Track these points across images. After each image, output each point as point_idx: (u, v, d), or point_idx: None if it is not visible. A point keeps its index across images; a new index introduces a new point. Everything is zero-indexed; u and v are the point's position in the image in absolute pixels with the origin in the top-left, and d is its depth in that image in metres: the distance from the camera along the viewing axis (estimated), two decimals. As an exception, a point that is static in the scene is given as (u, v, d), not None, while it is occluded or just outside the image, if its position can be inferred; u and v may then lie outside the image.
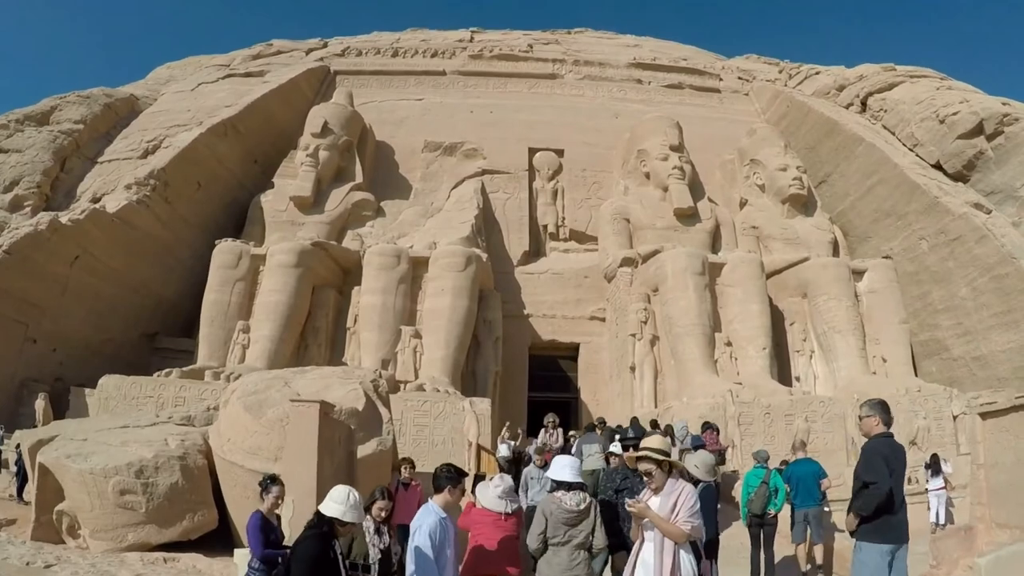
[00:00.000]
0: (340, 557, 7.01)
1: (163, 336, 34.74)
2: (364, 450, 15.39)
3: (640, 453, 7.29)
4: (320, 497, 11.25)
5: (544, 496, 8.21)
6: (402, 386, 28.12)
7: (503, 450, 22.21)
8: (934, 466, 21.11)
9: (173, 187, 34.04)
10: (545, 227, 39.70)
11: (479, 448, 23.68)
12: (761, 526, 14.45)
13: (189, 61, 50.57)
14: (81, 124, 37.65)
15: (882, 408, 8.09)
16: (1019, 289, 29.52)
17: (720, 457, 21.91)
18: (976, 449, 13.58)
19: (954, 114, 34.89)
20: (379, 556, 8.13)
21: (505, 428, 24.03)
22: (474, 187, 38.69)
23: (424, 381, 28.04)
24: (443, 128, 41.41)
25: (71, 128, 37.16)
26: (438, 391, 27.05)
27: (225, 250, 31.79)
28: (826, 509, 18.35)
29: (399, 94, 44.19)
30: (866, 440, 7.97)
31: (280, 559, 8.29)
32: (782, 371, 31.77)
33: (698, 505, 7.15)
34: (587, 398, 35.66)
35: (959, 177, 34.89)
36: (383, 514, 8.45)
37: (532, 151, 41.15)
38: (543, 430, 22.22)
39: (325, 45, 48.96)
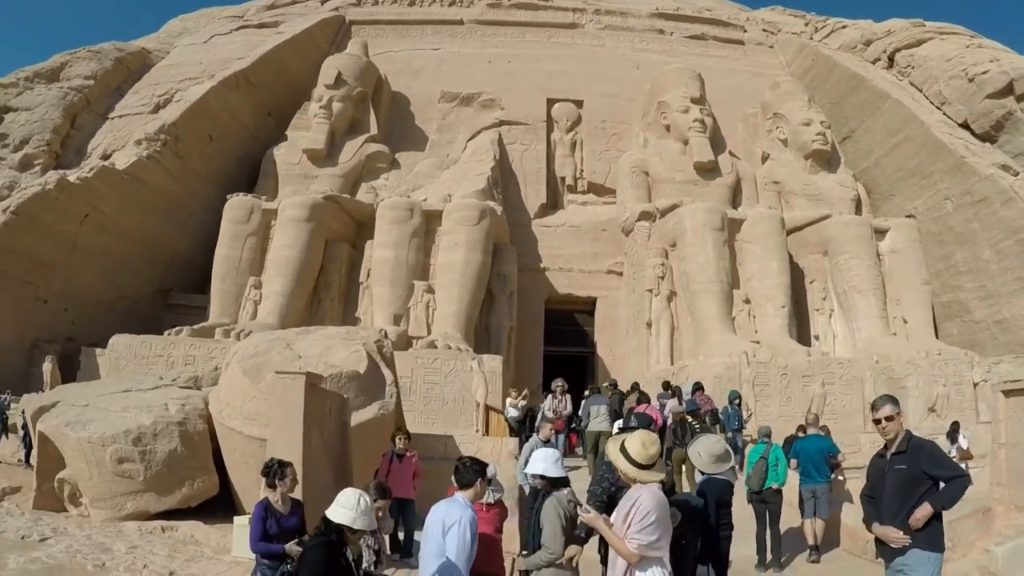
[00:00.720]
0: (352, 565, 6.32)
1: (177, 292, 34.42)
2: (365, 414, 15.27)
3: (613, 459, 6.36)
4: (308, 474, 10.70)
5: (554, 496, 7.26)
6: (414, 342, 27.63)
7: (511, 411, 21.63)
8: (953, 435, 20.45)
9: (184, 141, 33.56)
10: (563, 179, 38.85)
11: (487, 408, 23.13)
12: (764, 503, 13.79)
13: (202, 13, 49.64)
14: (91, 80, 37.12)
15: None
16: None
17: (713, 416, 21.29)
18: (998, 427, 12.91)
19: (984, 73, 34.02)
20: (373, 559, 7.66)
21: (512, 390, 23.37)
22: (491, 138, 37.77)
23: (436, 337, 27.47)
24: (460, 78, 40.47)
25: (81, 84, 36.65)
26: (449, 347, 26.48)
27: (236, 205, 31.34)
28: (840, 478, 17.83)
29: (415, 44, 43.21)
30: (907, 437, 6.99)
31: (285, 559, 7.61)
32: (801, 330, 31.10)
33: (655, 516, 5.98)
34: (603, 353, 35.12)
35: (987, 138, 34.13)
36: (379, 514, 7.96)
37: (551, 102, 40.17)
38: (550, 395, 21.42)
39: (341, -7, 47.82)
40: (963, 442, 20.40)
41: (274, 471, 8.41)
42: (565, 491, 7.21)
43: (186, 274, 34.56)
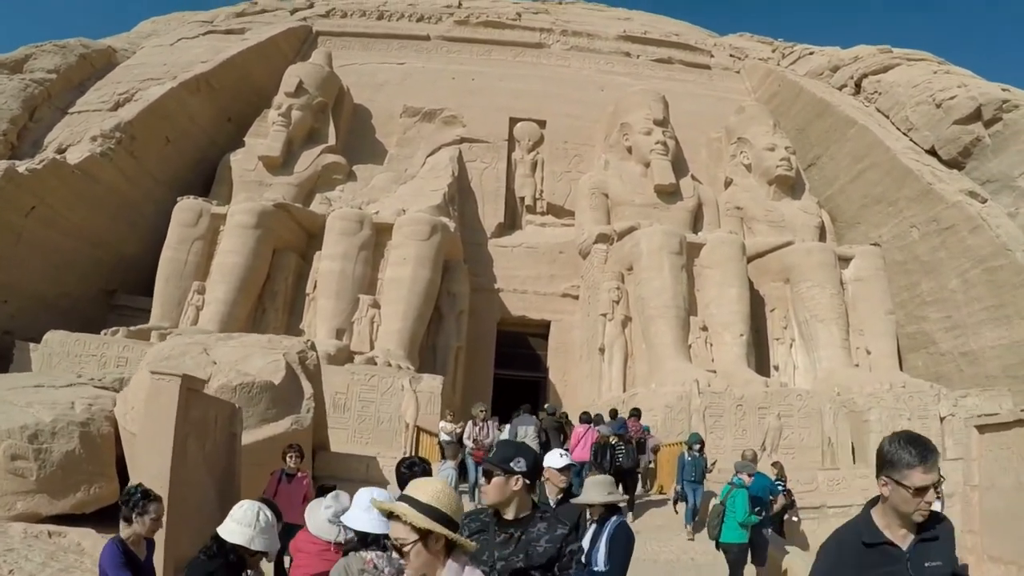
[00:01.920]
0: None
1: (123, 294, 32.44)
2: (275, 428, 14.39)
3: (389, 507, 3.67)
4: (177, 495, 9.09)
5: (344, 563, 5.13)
6: (355, 358, 26.00)
7: (442, 435, 19.74)
8: None
9: (140, 141, 31.84)
10: (522, 199, 37.32)
11: (418, 430, 21.27)
12: (726, 552, 12.36)
13: (173, 17, 48.18)
14: (54, 74, 35.33)
15: None
16: (1013, 283, 27.63)
17: (640, 445, 19.83)
18: (970, 467, 11.16)
19: (951, 98, 33.00)
20: None
21: (448, 412, 21.31)
22: (450, 155, 36.37)
23: (377, 354, 25.79)
24: (423, 94, 39.09)
25: (43, 77, 34.83)
26: (389, 365, 24.76)
27: (185, 207, 29.79)
28: (794, 519, 16.21)
29: (381, 57, 41.81)
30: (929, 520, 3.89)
31: None
32: (760, 360, 29.56)
33: None
34: (556, 378, 33.47)
35: (954, 164, 33.02)
36: None
37: (513, 121, 38.77)
38: (470, 422, 19.57)
39: (311, 5, 46.42)
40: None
41: (134, 501, 6.26)
42: (370, 555, 5.05)
43: (133, 276, 32.53)
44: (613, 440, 18.95)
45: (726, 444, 22.58)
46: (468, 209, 35.82)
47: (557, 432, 20.18)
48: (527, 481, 4.69)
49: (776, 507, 14.36)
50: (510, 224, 36.68)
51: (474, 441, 18.54)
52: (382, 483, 17.55)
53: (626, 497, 7.16)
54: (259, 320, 28.88)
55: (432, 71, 40.68)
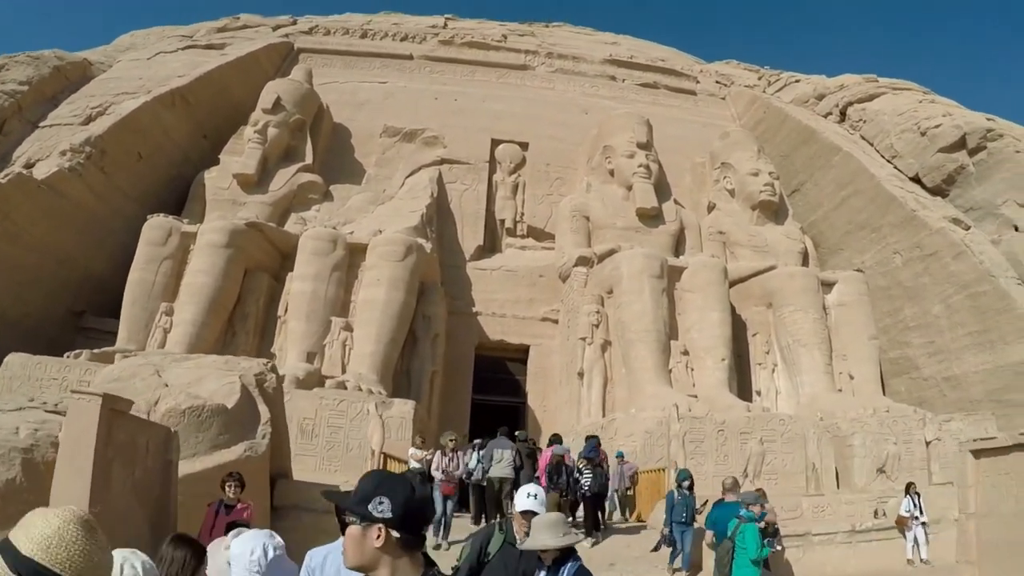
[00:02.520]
0: None
1: (91, 315, 31.43)
2: (225, 455, 13.32)
3: None
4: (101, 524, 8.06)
5: None
6: (326, 382, 25.00)
7: (412, 462, 18.79)
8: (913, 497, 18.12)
9: (111, 156, 30.94)
10: (502, 222, 36.61)
11: (385, 457, 20.38)
12: None
13: (154, 31, 47.32)
14: (26, 86, 34.37)
15: None
16: (996, 308, 27.40)
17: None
18: (966, 494, 10.49)
19: (936, 127, 32.89)
20: None
21: (417, 437, 20.27)
22: (430, 176, 35.64)
23: (349, 378, 24.90)
24: (404, 113, 38.37)
25: (14, 89, 33.90)
26: (360, 389, 23.84)
27: (154, 225, 28.82)
28: (778, 547, 15.43)
29: (362, 76, 41.05)
30: None
31: None
32: (742, 385, 28.95)
33: None
34: (535, 404, 32.64)
35: (938, 191, 32.88)
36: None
37: (495, 142, 38.12)
38: (439, 452, 18.28)
39: (294, 22, 45.78)
40: (904, 506, 18.05)
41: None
42: None
43: (102, 296, 31.39)
44: (581, 464, 18.23)
45: (707, 470, 21.82)
46: (447, 231, 35.09)
47: (531, 458, 19.34)
48: (398, 534, 2.93)
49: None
50: (489, 247, 35.98)
51: (444, 473, 17.45)
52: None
53: (579, 538, 6.21)
54: (229, 343, 27.89)
55: (414, 91, 40.02)
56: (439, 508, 16.97)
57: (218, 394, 14.08)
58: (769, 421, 23.00)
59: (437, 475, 17.30)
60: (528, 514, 6.47)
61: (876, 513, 18.33)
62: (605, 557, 16.20)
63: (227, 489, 10.84)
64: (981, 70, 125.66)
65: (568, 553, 6.14)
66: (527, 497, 6.56)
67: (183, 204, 33.04)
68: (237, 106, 36.36)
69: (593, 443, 19.22)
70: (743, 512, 11.46)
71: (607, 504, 20.92)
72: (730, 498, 12.61)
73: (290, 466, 18.31)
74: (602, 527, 19.17)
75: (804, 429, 22.67)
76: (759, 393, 29.29)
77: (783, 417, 23.63)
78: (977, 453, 10.47)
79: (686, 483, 15.78)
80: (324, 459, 21.85)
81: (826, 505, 18.68)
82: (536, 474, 18.52)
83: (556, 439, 19.49)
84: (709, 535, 12.03)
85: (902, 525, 17.92)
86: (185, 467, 11.93)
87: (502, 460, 17.90)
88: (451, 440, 18.14)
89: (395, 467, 20.27)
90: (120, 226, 31.24)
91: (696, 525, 15.44)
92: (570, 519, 19.40)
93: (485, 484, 18.39)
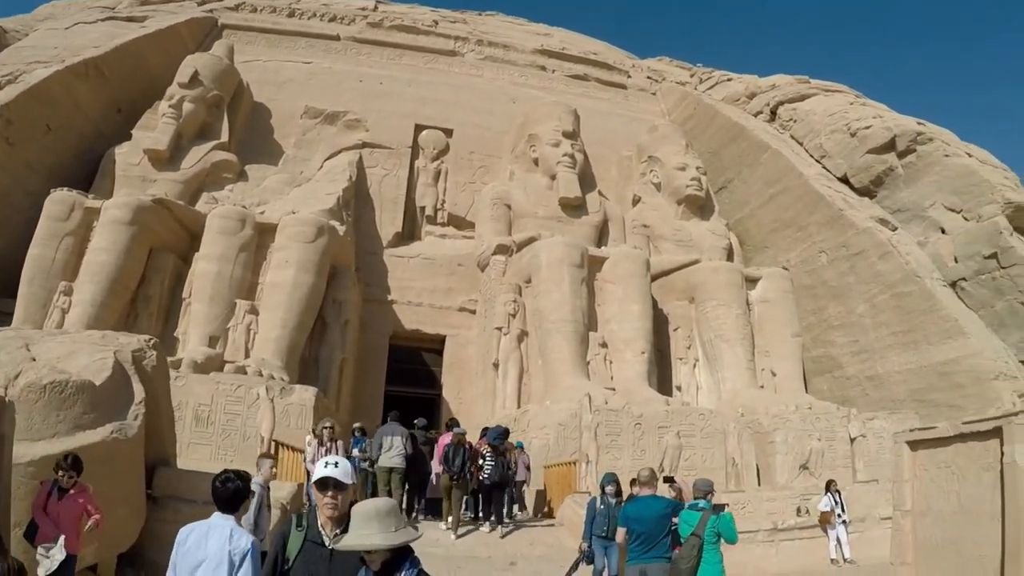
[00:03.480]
0: None
1: (-11, 295, 29.14)
2: (88, 437, 11.43)
3: None
4: None
5: None
6: (227, 367, 23.32)
7: (309, 452, 16.74)
8: (834, 495, 16.87)
9: (17, 127, 28.50)
10: (423, 209, 34.95)
11: (277, 445, 18.50)
12: None
13: (75, 2, 44.76)
14: (-68, 54, 31.99)
15: None
16: (921, 309, 27.01)
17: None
18: (902, 490, 9.07)
19: (866, 128, 32.36)
20: None
21: (322, 424, 18.01)
22: (349, 159, 33.91)
23: (250, 363, 23.00)
24: (327, 95, 36.45)
25: (-76, 58, 31.51)
26: (261, 375, 21.93)
27: (56, 200, 26.62)
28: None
29: (286, 55, 38.98)
30: None
31: None
32: (662, 380, 27.71)
33: None
34: (450, 396, 31.09)
35: (866, 192, 32.34)
36: None
37: (419, 128, 36.43)
38: (316, 441, 16.39)
39: (222, -2, 43.51)
40: (824, 503, 16.78)
41: None
42: None
43: (3, 275, 29.17)
44: (485, 450, 16.67)
45: (624, 464, 20.43)
46: (365, 216, 33.46)
47: (428, 446, 17.69)
48: None
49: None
50: (408, 234, 34.37)
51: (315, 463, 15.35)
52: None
53: (416, 535, 4.61)
54: (131, 325, 25.52)
55: (339, 72, 38.16)
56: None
57: (88, 370, 12.40)
58: (688, 415, 21.66)
59: (309, 466, 15.44)
60: (329, 486, 4.74)
61: (799, 511, 17.15)
62: (506, 555, 14.62)
63: (60, 474, 9.04)
64: (912, 76, 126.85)
65: (402, 555, 4.32)
66: (326, 466, 4.76)
67: (93, 180, 30.84)
68: (154, 81, 34.07)
69: (499, 430, 17.71)
70: (701, 503, 9.92)
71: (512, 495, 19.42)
72: (645, 492, 10.38)
73: (174, 453, 16.48)
74: (506, 520, 17.61)
75: (724, 424, 21.42)
76: (679, 388, 28.16)
77: (703, 411, 22.33)
78: (914, 445, 9.10)
79: (610, 488, 12.73)
80: (219, 447, 20.02)
81: (747, 502, 17.43)
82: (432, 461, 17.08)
83: (454, 423, 18.17)
84: (621, 533, 10.10)
85: (825, 522, 16.78)
86: (43, 448, 10.21)
87: (391, 448, 16.24)
88: (327, 427, 16.09)
89: (287, 456, 18.49)
90: (26, 202, 28.82)
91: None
92: (465, 510, 17.86)
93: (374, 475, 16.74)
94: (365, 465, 18.18)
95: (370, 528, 4.20)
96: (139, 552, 11.98)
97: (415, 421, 18.82)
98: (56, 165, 30.52)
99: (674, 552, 9.79)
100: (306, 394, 21.28)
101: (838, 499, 17.06)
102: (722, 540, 9.56)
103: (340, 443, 16.10)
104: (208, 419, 20.11)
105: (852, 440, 21.55)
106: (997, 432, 8.34)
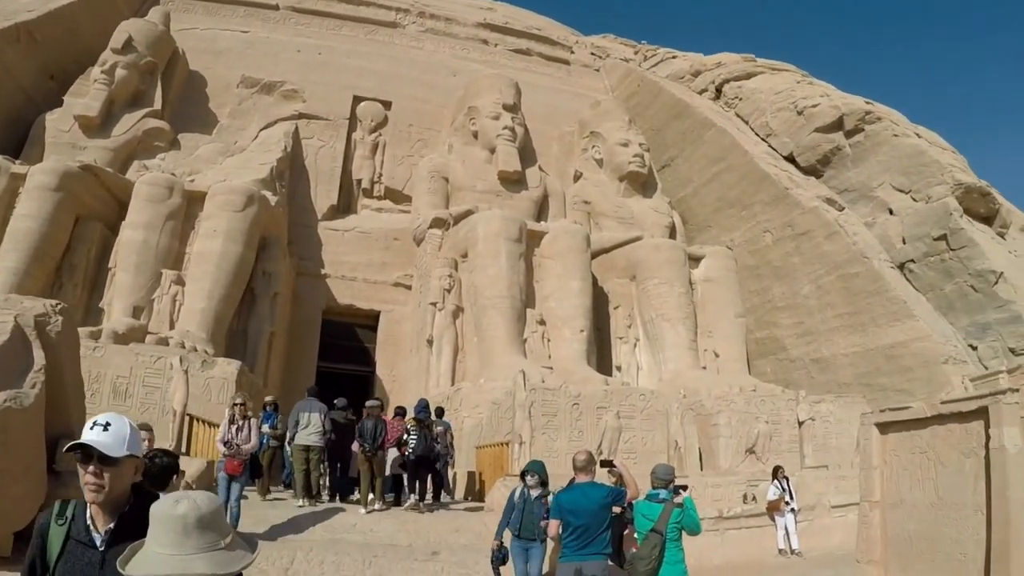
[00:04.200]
0: None
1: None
2: None
3: None
4: None
5: None
6: (148, 339, 21.71)
7: (221, 430, 14.72)
8: (782, 481, 15.57)
9: (-57, 90, 26.79)
10: (359, 182, 33.28)
11: (191, 419, 16.86)
12: None
13: (8, -35, 42.39)
14: None
15: None
16: (868, 291, 26.17)
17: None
18: (870, 478, 7.73)
19: (814, 106, 31.57)
20: None
21: (235, 399, 15.14)
22: (285, 130, 32.14)
23: (173, 335, 21.38)
24: (265, 65, 34.60)
25: None
26: (183, 347, 20.23)
27: None
28: (636, 535, 12.36)
29: (224, 24, 36.95)
30: None
31: None
32: (602, 359, 26.39)
33: None
34: (383, 373, 29.57)
35: (812, 172, 31.56)
36: None
37: (357, 100, 34.73)
38: (225, 420, 14.09)
39: (160, -36, 41.26)
40: (772, 492, 15.45)
41: None
42: None
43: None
44: (409, 424, 15.24)
45: (560, 447, 19.18)
46: (300, 188, 31.82)
47: (348, 431, 16.05)
48: None
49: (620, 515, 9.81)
50: (344, 207, 32.75)
51: (226, 444, 13.33)
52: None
53: (250, 559, 3.37)
54: (55, 295, 23.36)
55: (277, 42, 36.23)
56: (222, 494, 12.81)
57: None
58: (628, 395, 20.33)
59: (220, 446, 13.45)
60: (92, 458, 3.16)
61: (745, 498, 15.83)
62: (428, 544, 13.07)
63: None
64: (858, 59, 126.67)
65: None
66: (92, 427, 3.21)
67: (22, 149, 29.12)
68: (88, 47, 32.09)
69: (423, 403, 16.28)
70: (662, 494, 8.35)
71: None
72: (582, 479, 8.31)
73: (81, 426, 14.86)
74: (430, 498, 16.18)
75: (667, 405, 20.08)
76: (619, 368, 26.83)
77: (644, 392, 20.99)
78: (884, 427, 7.83)
79: (532, 479, 10.04)
80: (137, 421, 18.33)
81: (691, 488, 16.01)
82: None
83: (401, 411, 16.63)
84: (554, 525, 8.26)
85: (773, 511, 15.44)
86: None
87: (309, 425, 14.70)
88: (239, 403, 13.99)
89: (200, 431, 16.92)
90: (-51, 169, 27.06)
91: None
92: (390, 491, 16.45)
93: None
94: (274, 443, 16.81)
95: (185, 544, 2.63)
96: (38, 529, 10.48)
97: (335, 401, 17.10)
98: None
99: (631, 551, 8.37)
100: (229, 367, 19.81)
101: (786, 486, 15.80)
102: (683, 533, 8.17)
103: (254, 421, 14.19)
104: (126, 392, 18.65)
105: (800, 424, 20.30)
106: (982, 413, 7.04)
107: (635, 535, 8.80)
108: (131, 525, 3.10)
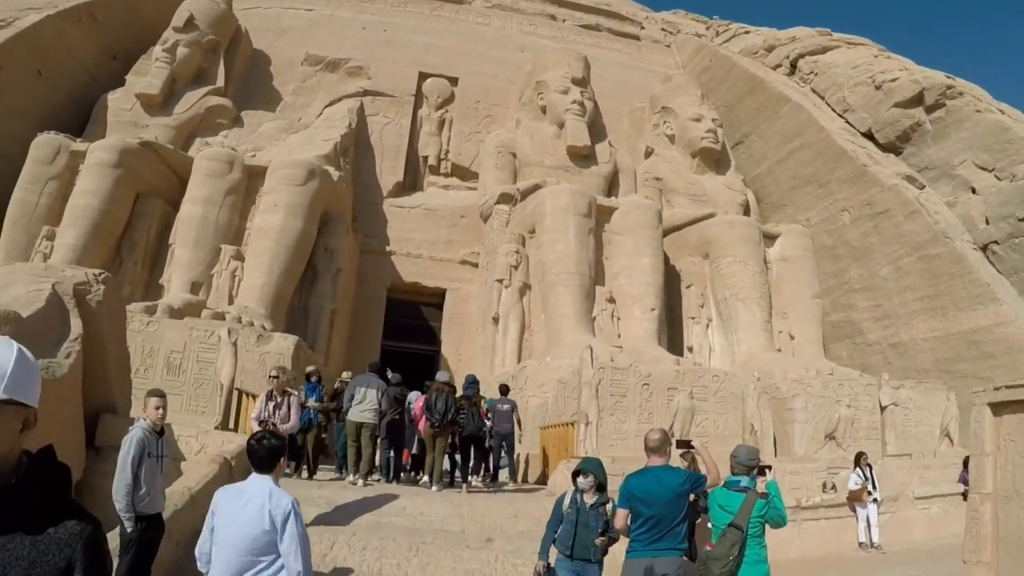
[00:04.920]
0: None
1: (-24, 241, 27.31)
2: None
3: None
4: None
5: None
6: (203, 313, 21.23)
7: (256, 407, 13.79)
8: (864, 469, 14.54)
9: (7, 72, 26.62)
10: (425, 159, 32.72)
11: (240, 394, 16.25)
12: None
13: (68, -53, 42.44)
14: (-75, -2, 30.00)
15: None
16: (951, 272, 24.71)
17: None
18: (982, 466, 6.79)
19: (893, 80, 29.75)
20: None
21: (275, 370, 13.46)
22: (349, 107, 31.78)
23: (232, 310, 20.98)
24: (329, 43, 34.19)
25: (-88, 2, 29.60)
26: (240, 322, 19.77)
27: (41, 143, 24.96)
28: (709, 526, 11.41)
29: (288, 2, 36.45)
30: None
31: None
32: (673, 340, 25.56)
33: None
34: (448, 352, 29.03)
35: (891, 148, 29.84)
36: None
37: (423, 76, 34.08)
38: (262, 396, 12.70)
39: (221, -56, 41.00)
40: (854, 480, 14.41)
41: None
42: None
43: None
44: (461, 402, 14.56)
45: (628, 429, 18.38)
46: (365, 166, 31.39)
47: (400, 404, 15.30)
48: None
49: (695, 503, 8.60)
50: (410, 184, 32.19)
51: (261, 424, 11.58)
52: (177, 457, 12.88)
53: None
54: (115, 272, 23.18)
55: (341, 19, 35.67)
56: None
57: (18, 301, 11.15)
58: (701, 376, 19.38)
59: (252, 423, 12.07)
60: None
61: (825, 486, 14.84)
62: (482, 530, 12.08)
63: None
64: (934, 32, 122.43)
65: None
66: None
67: (85, 128, 29.00)
68: (150, 27, 31.99)
69: (471, 378, 15.66)
70: (744, 481, 7.14)
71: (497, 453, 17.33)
72: (656, 461, 6.94)
73: (126, 401, 14.41)
74: (484, 475, 15.50)
75: (743, 386, 19.09)
76: (691, 349, 25.93)
77: (717, 373, 20.02)
78: (999, 407, 6.85)
79: (585, 480, 7.64)
80: (191, 397, 18.11)
81: (768, 475, 15.06)
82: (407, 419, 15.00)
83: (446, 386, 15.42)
84: (622, 515, 6.74)
85: (855, 501, 14.40)
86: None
87: (364, 401, 13.94)
88: (273, 378, 12.59)
89: (251, 407, 16.38)
90: (15, 149, 26.83)
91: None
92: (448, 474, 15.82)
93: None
94: (321, 419, 15.99)
95: None
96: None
97: (389, 374, 16.24)
98: (49, 112, 28.65)
99: (706, 548, 7.16)
100: (285, 342, 19.36)
101: (869, 474, 14.74)
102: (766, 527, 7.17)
103: (295, 398, 12.65)
104: (180, 367, 18.28)
105: (882, 409, 19.15)
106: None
107: (708, 527, 7.85)
108: (13, 510, 2.17)
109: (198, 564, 4.95)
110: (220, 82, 30.45)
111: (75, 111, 29.64)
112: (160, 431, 7.96)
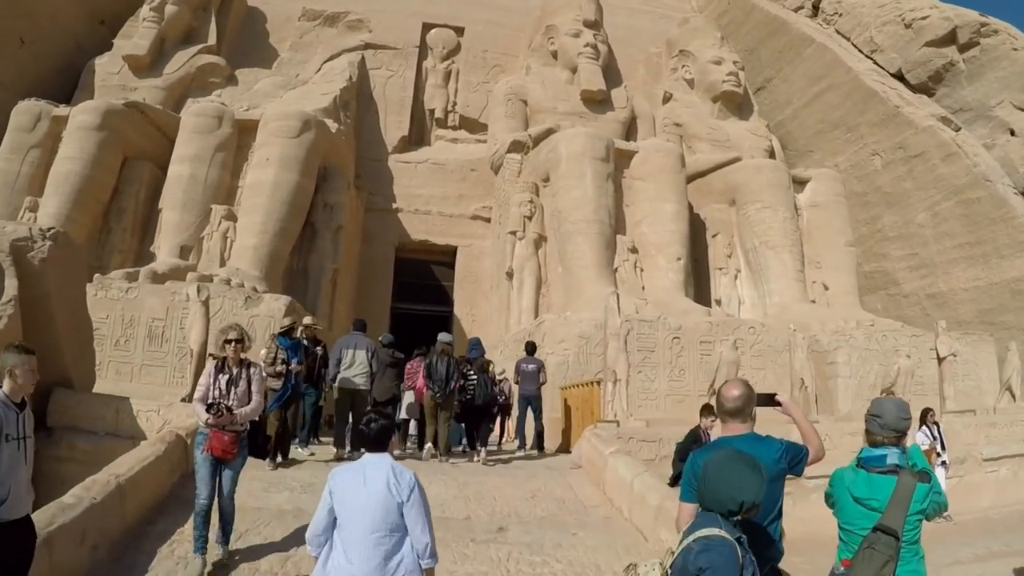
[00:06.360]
0: None
1: (-44, 216, 25.76)
2: None
3: None
4: None
5: None
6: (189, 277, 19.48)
7: (261, 364, 11.33)
8: (932, 428, 12.81)
9: (-14, 41, 25.35)
10: (432, 112, 30.98)
11: (209, 358, 14.27)
12: None
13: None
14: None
15: None
16: (991, 218, 23.45)
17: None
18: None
19: (923, 18, 28.05)
20: None
21: (221, 337, 11.18)
22: (349, 60, 29.95)
23: (221, 273, 19.29)
24: (327, -3, 32.51)
25: None
26: (228, 284, 18.17)
27: (22, 110, 23.47)
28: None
29: (283, -45, 34.66)
30: None
31: None
32: (699, 291, 23.81)
33: None
34: (462, 312, 27.60)
35: (923, 89, 28.15)
36: None
37: (427, 27, 32.28)
38: (208, 370, 8.60)
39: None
40: (921, 439, 12.61)
41: None
42: None
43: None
44: (465, 368, 12.94)
45: (659, 387, 16.98)
46: (368, 121, 29.73)
47: (395, 368, 13.47)
48: None
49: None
50: (416, 139, 30.53)
51: (210, 408, 7.71)
52: (136, 436, 11.44)
53: None
54: (103, 241, 22.62)
55: (339, -28, 33.86)
56: (203, 488, 7.58)
57: None
58: (736, 328, 17.86)
59: (201, 416, 7.61)
60: None
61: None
62: (493, 516, 9.63)
63: None
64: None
65: None
66: None
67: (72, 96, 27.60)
68: (140, -11, 30.49)
69: (475, 341, 14.27)
70: (892, 455, 4.55)
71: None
72: (736, 429, 4.47)
73: (86, 375, 12.85)
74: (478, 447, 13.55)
75: (781, 338, 17.42)
76: (719, 302, 24.21)
77: (753, 324, 18.44)
78: None
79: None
80: (176, 368, 16.74)
81: (824, 436, 13.20)
82: (401, 384, 13.69)
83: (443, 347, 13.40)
84: (688, 511, 3.57)
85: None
86: None
87: (354, 364, 12.32)
88: (229, 341, 8.13)
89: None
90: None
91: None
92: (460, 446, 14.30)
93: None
94: (309, 391, 12.88)
95: None
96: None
97: (380, 337, 14.33)
98: (33, 81, 27.44)
99: (839, 568, 4.54)
100: (276, 303, 17.61)
101: (936, 433, 12.98)
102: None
103: (257, 370, 8.30)
104: (162, 336, 17.00)
105: (940, 360, 17.27)
106: None
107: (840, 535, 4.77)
108: None
109: (309, 549, 4.83)
110: (212, 40, 28.95)
111: (61, 80, 28.33)
112: (20, 403, 5.13)
